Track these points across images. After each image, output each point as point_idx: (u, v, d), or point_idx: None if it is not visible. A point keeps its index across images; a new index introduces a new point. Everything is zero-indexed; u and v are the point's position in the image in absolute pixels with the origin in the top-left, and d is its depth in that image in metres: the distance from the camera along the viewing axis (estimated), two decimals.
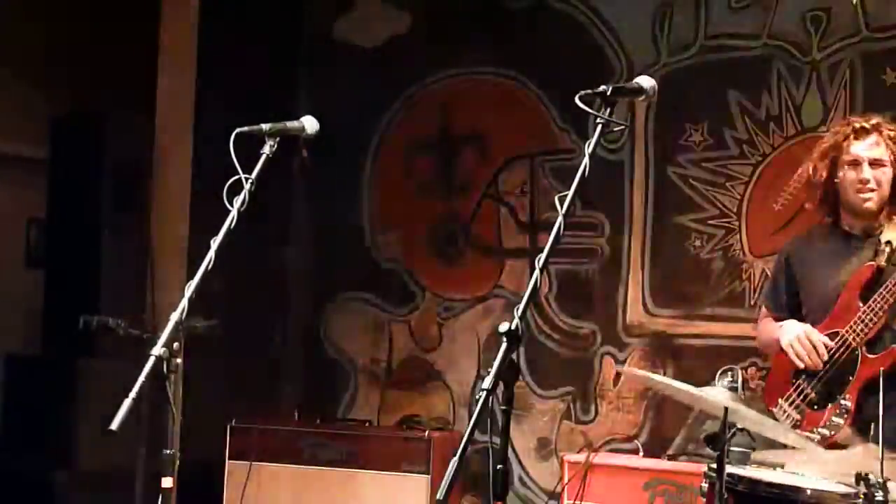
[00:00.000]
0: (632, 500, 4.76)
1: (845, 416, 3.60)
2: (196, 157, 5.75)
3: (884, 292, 3.60)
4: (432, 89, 5.96)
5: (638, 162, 5.44)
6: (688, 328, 5.30)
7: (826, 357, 3.68)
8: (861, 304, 3.65)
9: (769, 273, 4.95)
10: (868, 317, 3.62)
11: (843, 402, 3.63)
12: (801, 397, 3.75)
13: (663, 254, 5.39)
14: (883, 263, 3.65)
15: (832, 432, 3.60)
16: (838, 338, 3.67)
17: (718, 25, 5.28)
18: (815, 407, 3.71)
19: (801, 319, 3.84)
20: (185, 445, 2.80)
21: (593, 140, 2.66)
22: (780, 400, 3.80)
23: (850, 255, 3.74)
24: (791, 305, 3.90)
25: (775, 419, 3.69)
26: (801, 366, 3.71)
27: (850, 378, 3.64)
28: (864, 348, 3.64)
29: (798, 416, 3.73)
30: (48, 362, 5.48)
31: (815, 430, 3.63)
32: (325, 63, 6.22)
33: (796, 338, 3.71)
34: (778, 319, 3.92)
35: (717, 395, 3.03)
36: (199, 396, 5.47)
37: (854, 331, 3.64)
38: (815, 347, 3.68)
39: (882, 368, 3.45)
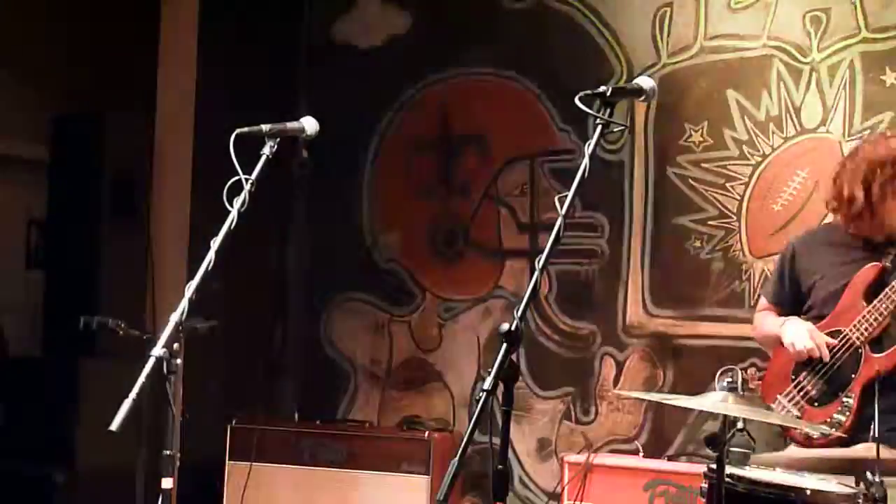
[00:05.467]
0: (632, 501, 4.76)
1: (847, 413, 3.61)
2: (196, 157, 5.75)
3: (889, 293, 3.59)
4: (432, 89, 5.96)
5: (638, 162, 5.44)
6: (688, 328, 5.30)
7: (828, 356, 3.69)
8: (865, 304, 3.65)
9: (768, 272, 4.99)
10: (873, 316, 3.62)
11: (845, 399, 3.63)
12: (801, 394, 3.76)
13: (663, 254, 5.39)
14: (888, 264, 3.65)
15: (834, 429, 3.61)
16: (841, 336, 3.68)
17: (718, 26, 5.28)
18: (816, 404, 3.72)
19: (800, 314, 3.84)
20: (185, 445, 2.80)
21: (593, 141, 2.66)
22: (778, 396, 3.81)
23: (858, 256, 3.73)
24: (793, 299, 3.89)
25: None
26: (805, 356, 3.70)
27: (853, 376, 3.65)
28: (867, 347, 3.64)
29: (797, 413, 3.74)
30: (48, 362, 5.48)
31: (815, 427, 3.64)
32: (325, 63, 6.22)
33: (799, 336, 3.71)
34: (778, 313, 3.92)
35: (711, 401, 3.03)
36: (199, 397, 5.48)
37: (858, 330, 3.64)
38: (818, 346, 3.69)
39: (885, 367, 3.45)
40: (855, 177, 3.68)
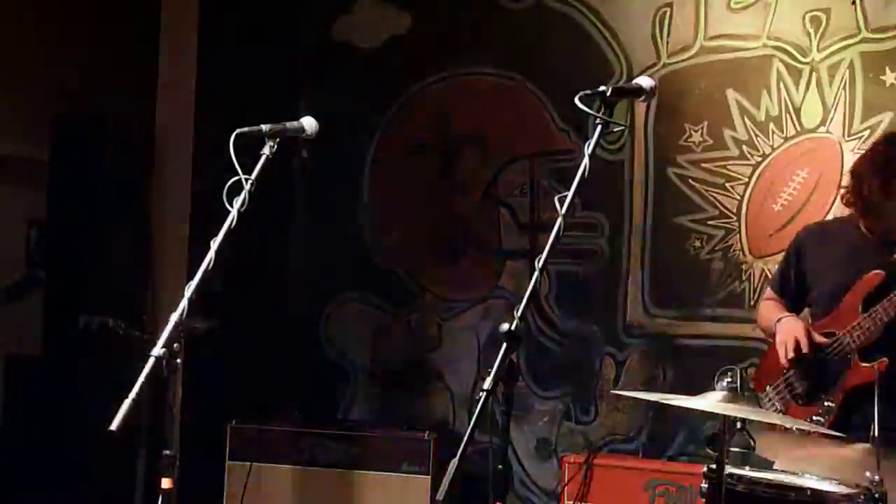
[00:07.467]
0: (632, 501, 4.77)
1: (827, 417, 3.61)
2: (196, 157, 5.75)
3: (886, 304, 3.58)
4: (432, 89, 5.96)
5: (638, 162, 5.44)
6: (688, 328, 5.30)
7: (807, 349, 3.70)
8: (862, 310, 3.64)
9: (768, 272, 4.99)
10: (867, 325, 3.61)
11: (826, 403, 3.64)
12: (789, 389, 3.78)
13: (663, 254, 5.39)
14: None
15: (812, 431, 3.62)
16: (834, 339, 3.69)
17: (718, 26, 5.28)
18: (800, 401, 3.74)
19: (803, 307, 3.86)
20: (185, 445, 2.80)
21: (593, 140, 2.66)
22: (767, 387, 3.84)
23: (864, 257, 3.73)
24: (797, 292, 3.91)
25: (759, 404, 3.73)
26: (791, 356, 3.72)
27: (839, 381, 3.65)
28: (857, 355, 3.64)
29: (781, 407, 3.76)
30: (48, 362, 5.48)
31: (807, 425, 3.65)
32: (325, 63, 6.22)
33: (781, 342, 3.75)
34: (783, 303, 3.94)
35: (711, 401, 3.03)
36: (199, 397, 5.48)
37: (851, 336, 3.64)
38: (796, 347, 3.71)
39: (872, 378, 3.44)
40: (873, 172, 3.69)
